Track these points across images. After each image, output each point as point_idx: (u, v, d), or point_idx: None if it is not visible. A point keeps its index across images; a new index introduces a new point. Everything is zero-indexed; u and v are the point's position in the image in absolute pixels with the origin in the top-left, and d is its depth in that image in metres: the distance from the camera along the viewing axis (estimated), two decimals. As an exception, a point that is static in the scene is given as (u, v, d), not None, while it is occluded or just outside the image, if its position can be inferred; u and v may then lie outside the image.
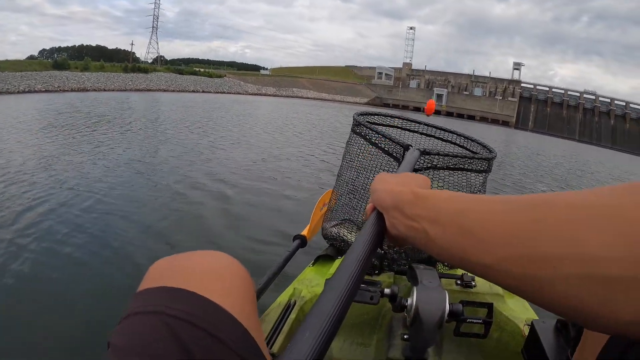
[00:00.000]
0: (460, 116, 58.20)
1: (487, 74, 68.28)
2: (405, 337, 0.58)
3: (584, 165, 17.17)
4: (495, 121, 58.51)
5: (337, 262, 1.12)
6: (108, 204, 3.95)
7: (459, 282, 0.95)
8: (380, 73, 71.94)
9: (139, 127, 10.06)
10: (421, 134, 1.21)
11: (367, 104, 58.17)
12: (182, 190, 4.66)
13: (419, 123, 1.21)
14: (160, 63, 62.67)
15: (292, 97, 49.53)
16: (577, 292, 0.21)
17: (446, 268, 1.02)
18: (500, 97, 62.28)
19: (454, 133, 1.18)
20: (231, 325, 0.36)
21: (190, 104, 20.14)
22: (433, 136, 1.20)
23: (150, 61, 65.21)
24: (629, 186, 0.21)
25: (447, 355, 0.89)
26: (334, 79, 67.53)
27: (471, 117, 58.49)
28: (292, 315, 0.87)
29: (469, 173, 0.95)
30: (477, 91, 64.92)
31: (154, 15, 69.76)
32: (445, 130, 1.19)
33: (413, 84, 69.90)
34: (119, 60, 52.62)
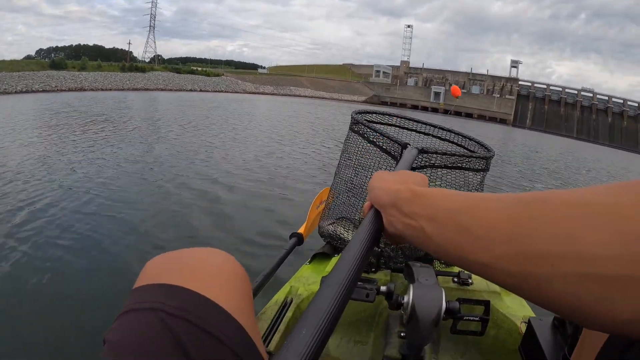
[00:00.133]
0: (458, 114, 58.25)
1: (484, 72, 68.49)
2: (402, 334, 0.58)
3: (581, 162, 17.21)
4: (493, 119, 58.64)
5: (334, 260, 1.13)
6: (104, 203, 3.94)
7: (455, 279, 0.95)
8: (378, 71, 72.01)
9: (135, 126, 10.02)
10: (419, 132, 1.21)
11: (365, 102, 58.14)
12: (178, 189, 4.66)
13: (417, 122, 1.21)
14: (158, 62, 62.42)
15: (289, 95, 49.50)
16: (574, 291, 0.21)
17: (443, 266, 1.02)
18: (498, 95, 62.40)
19: (452, 132, 1.18)
20: (227, 322, 0.36)
21: (188, 103, 20.10)
22: (431, 135, 1.20)
23: (147, 60, 65.03)
24: (625, 184, 0.21)
25: (444, 352, 0.89)
26: (332, 77, 67.53)
27: (469, 115, 58.56)
28: (289, 314, 0.87)
29: (467, 172, 0.95)
30: (475, 89, 65.00)
31: (151, 14, 69.59)
32: (443, 129, 1.19)
33: (411, 81, 69.94)
34: (116, 59, 52.42)
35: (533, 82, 64.84)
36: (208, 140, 8.57)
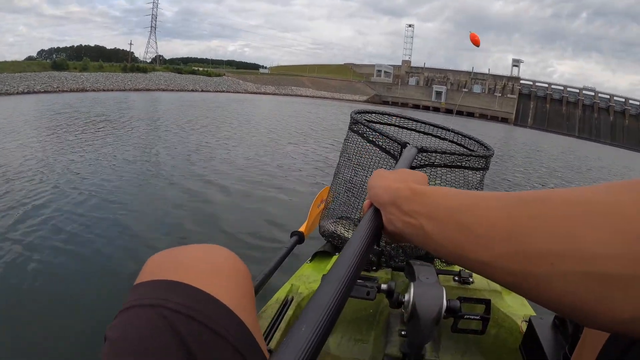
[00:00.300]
0: (459, 113, 58.12)
1: (486, 71, 68.29)
2: (403, 333, 0.58)
3: (582, 161, 17.16)
4: (494, 118, 58.47)
5: (334, 258, 1.13)
6: (104, 203, 3.95)
7: (456, 278, 0.95)
8: (379, 71, 71.85)
9: (137, 126, 10.04)
10: (418, 132, 1.21)
11: (367, 101, 58.11)
12: (180, 187, 4.67)
13: (416, 121, 1.22)
14: (159, 62, 62.56)
15: (291, 95, 49.48)
16: (574, 289, 0.21)
17: (444, 264, 1.02)
18: (500, 94, 62.20)
19: (452, 131, 1.18)
20: (229, 318, 0.35)
21: (189, 103, 20.12)
22: (430, 134, 1.20)
23: (149, 61, 65.22)
24: (626, 183, 0.21)
25: (445, 351, 0.90)
26: (334, 77, 67.48)
27: (470, 114, 58.43)
28: (290, 312, 0.88)
29: (467, 170, 0.95)
30: (476, 88, 64.82)
31: (153, 14, 69.68)
32: (442, 128, 1.19)
33: (412, 81, 69.77)
34: (117, 60, 52.49)
35: (534, 81, 64.63)
36: (210, 140, 8.58)
